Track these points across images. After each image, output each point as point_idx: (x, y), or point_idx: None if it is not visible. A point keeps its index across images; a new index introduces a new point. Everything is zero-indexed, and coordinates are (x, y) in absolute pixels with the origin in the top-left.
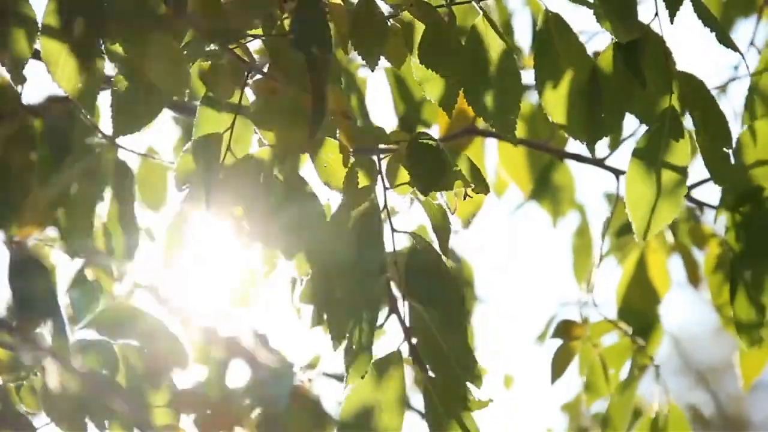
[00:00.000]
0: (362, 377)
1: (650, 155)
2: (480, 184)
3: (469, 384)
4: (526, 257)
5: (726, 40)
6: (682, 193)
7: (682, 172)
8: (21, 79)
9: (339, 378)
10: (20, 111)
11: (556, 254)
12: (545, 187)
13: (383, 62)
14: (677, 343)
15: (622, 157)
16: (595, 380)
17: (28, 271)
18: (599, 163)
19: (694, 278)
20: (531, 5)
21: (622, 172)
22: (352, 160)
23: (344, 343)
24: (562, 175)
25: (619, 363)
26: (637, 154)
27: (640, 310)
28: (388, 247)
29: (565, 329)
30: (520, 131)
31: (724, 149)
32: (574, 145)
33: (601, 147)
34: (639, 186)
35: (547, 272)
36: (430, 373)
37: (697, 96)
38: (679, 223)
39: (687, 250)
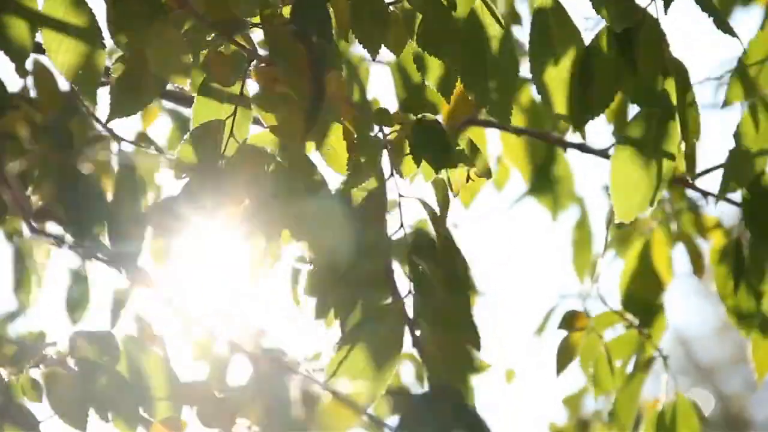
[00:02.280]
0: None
1: (638, 138)
2: (482, 167)
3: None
4: (527, 250)
5: (724, 27)
6: (667, 177)
7: (670, 156)
8: (24, 72)
9: None
10: (22, 104)
11: (556, 246)
12: (544, 181)
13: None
14: (680, 340)
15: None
16: (600, 373)
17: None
18: (601, 152)
19: (698, 269)
20: None
21: None
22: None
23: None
24: (561, 168)
25: (625, 355)
26: (625, 136)
27: (644, 299)
28: (396, 218)
29: (569, 320)
30: (523, 121)
31: (694, 141)
32: (576, 136)
33: (604, 136)
34: (624, 169)
35: (548, 264)
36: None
37: (680, 84)
38: (683, 213)
39: (691, 240)
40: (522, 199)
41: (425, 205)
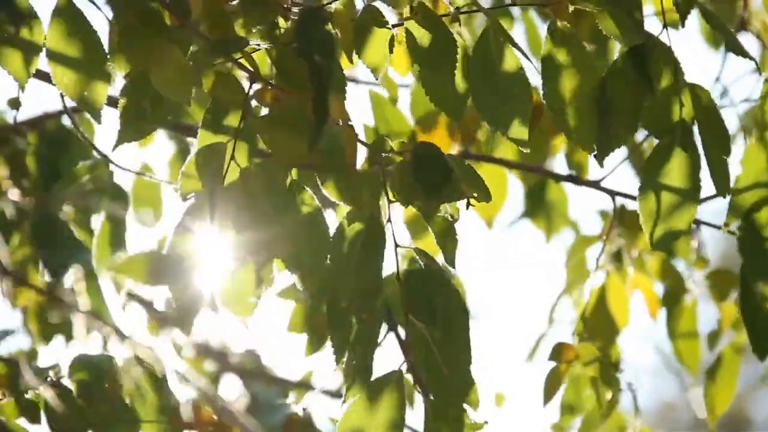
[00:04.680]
0: (359, 396)
1: (662, 168)
2: (482, 193)
3: (466, 406)
4: (518, 273)
5: (736, 47)
6: (695, 205)
7: (695, 184)
8: (16, 105)
9: (332, 394)
10: (11, 138)
11: (548, 270)
12: (538, 205)
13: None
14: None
15: (618, 177)
16: (577, 401)
17: (50, 224)
18: (595, 184)
19: (653, 312)
20: (525, 21)
21: (618, 194)
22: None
23: (343, 362)
24: (555, 192)
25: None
26: (649, 167)
27: (600, 343)
28: (392, 263)
29: (558, 352)
30: (513, 154)
31: (724, 158)
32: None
33: (596, 168)
34: (652, 200)
35: (539, 288)
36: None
37: (702, 106)
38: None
39: (647, 285)
40: (516, 222)
41: (422, 254)
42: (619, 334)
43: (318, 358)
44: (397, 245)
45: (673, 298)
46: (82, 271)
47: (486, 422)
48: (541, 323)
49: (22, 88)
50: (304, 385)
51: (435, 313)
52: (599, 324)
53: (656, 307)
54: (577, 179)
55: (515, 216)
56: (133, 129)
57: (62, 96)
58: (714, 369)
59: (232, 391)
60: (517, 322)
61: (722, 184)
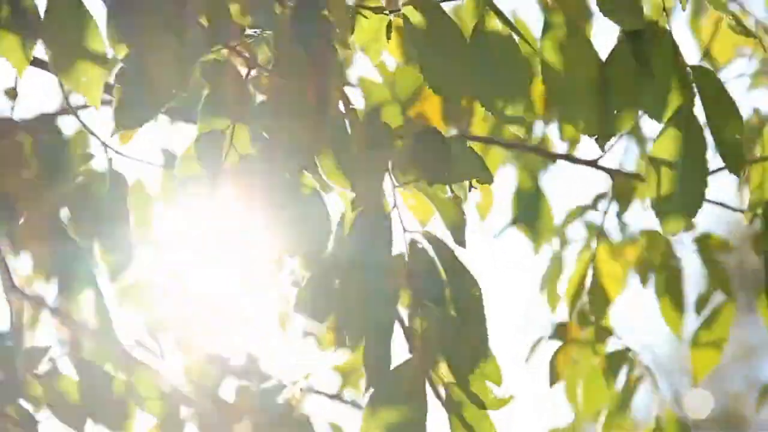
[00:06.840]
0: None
1: (668, 151)
2: (483, 175)
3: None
4: (511, 276)
5: (740, 26)
6: (703, 187)
7: (702, 166)
8: (14, 95)
9: (328, 396)
10: (11, 130)
11: (540, 272)
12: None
13: None
14: (677, 341)
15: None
16: (592, 389)
17: (69, 251)
18: (592, 163)
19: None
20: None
21: (617, 172)
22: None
23: (362, 352)
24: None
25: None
26: (654, 151)
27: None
28: (400, 247)
29: (560, 331)
30: (507, 134)
31: (736, 136)
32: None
33: (593, 147)
34: (660, 185)
35: (533, 290)
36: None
37: (708, 87)
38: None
39: (637, 254)
40: (506, 229)
41: (431, 237)
42: (611, 305)
43: (315, 358)
44: (405, 230)
45: (662, 263)
46: (88, 286)
47: (512, 397)
48: (533, 323)
49: (20, 75)
50: (302, 387)
51: (443, 295)
52: (592, 297)
53: (647, 274)
54: (574, 158)
55: (504, 225)
56: (130, 115)
57: (61, 87)
58: (703, 325)
59: (232, 393)
60: (509, 321)
61: (735, 164)
